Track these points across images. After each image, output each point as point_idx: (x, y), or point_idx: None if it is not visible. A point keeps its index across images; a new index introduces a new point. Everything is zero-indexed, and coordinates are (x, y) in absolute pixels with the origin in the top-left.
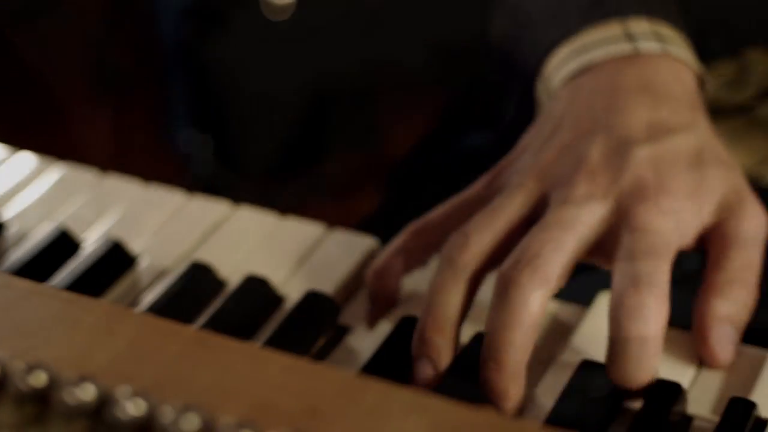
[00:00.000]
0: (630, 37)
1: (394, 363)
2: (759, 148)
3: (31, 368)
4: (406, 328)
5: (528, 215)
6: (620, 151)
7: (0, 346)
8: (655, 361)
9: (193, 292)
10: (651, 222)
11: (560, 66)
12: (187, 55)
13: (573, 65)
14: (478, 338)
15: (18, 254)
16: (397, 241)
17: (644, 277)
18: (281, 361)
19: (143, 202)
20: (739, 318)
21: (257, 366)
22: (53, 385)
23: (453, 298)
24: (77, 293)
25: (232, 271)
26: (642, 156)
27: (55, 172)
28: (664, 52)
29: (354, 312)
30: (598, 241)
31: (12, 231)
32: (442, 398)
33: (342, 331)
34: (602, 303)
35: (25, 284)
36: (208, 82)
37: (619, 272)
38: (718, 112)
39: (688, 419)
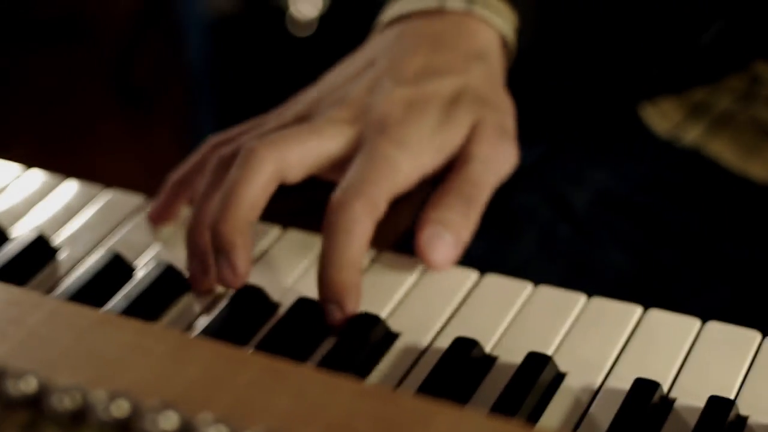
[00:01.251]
0: None
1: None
2: None
3: (113, 397)
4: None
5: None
6: (382, 88)
7: (75, 374)
8: (352, 256)
9: (246, 315)
10: (380, 149)
11: (386, 10)
12: (214, 71)
13: (390, 13)
14: None
15: (73, 280)
16: (196, 154)
17: (360, 187)
18: (353, 387)
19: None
20: (454, 224)
21: (330, 391)
22: (135, 413)
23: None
24: (135, 317)
25: (281, 294)
26: (398, 94)
27: (103, 197)
28: (467, 10)
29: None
30: (338, 158)
31: (63, 256)
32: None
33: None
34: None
35: (94, 314)
36: (234, 98)
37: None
38: (730, 125)
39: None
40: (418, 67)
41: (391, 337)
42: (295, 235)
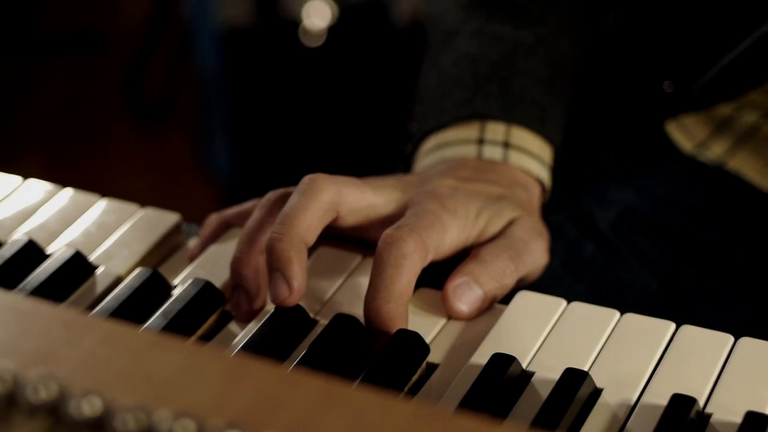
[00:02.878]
0: (480, 142)
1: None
2: None
3: (177, 417)
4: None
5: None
6: (434, 177)
7: (134, 396)
8: (402, 283)
9: (287, 330)
10: (432, 208)
11: (424, 155)
12: (226, 82)
13: (431, 159)
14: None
15: (111, 297)
16: (244, 204)
17: (413, 228)
18: (409, 409)
19: (228, 240)
20: (485, 280)
21: (386, 413)
22: None
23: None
24: (173, 334)
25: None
26: (450, 182)
27: (139, 213)
28: (504, 159)
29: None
30: (386, 215)
31: (100, 273)
32: None
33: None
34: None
35: (148, 335)
36: (246, 109)
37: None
38: (753, 139)
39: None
40: (465, 175)
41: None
42: (327, 252)
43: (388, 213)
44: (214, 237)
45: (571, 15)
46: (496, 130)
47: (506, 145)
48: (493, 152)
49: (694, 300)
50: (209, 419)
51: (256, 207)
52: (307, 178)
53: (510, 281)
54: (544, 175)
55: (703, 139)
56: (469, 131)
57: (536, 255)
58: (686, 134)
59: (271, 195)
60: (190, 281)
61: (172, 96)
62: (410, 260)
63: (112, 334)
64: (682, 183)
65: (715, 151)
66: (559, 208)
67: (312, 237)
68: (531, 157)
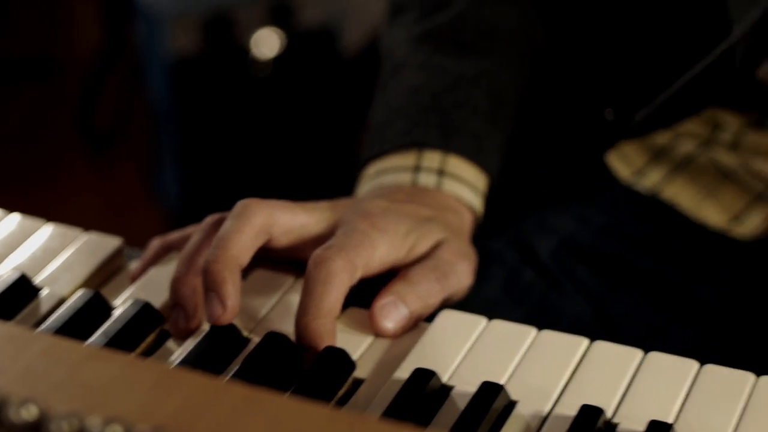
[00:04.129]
0: (416, 169)
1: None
2: (730, 205)
3: (107, 422)
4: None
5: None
6: (365, 199)
7: (71, 404)
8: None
9: (219, 348)
10: (361, 227)
11: (365, 181)
12: (176, 111)
13: (370, 185)
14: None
15: (55, 317)
16: (185, 229)
17: (341, 248)
18: (324, 413)
19: (168, 262)
20: (411, 300)
21: (303, 417)
22: None
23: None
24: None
25: (251, 330)
26: (380, 204)
27: (82, 238)
28: (437, 186)
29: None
30: (318, 235)
31: (44, 295)
32: None
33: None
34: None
35: (85, 348)
36: (196, 136)
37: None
38: (689, 168)
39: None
40: (397, 198)
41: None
42: (261, 274)
43: (320, 233)
44: (155, 260)
45: (516, 48)
46: (432, 158)
47: (441, 172)
48: (427, 179)
49: (627, 326)
50: (137, 424)
51: (195, 231)
52: (240, 203)
53: (435, 301)
54: (477, 202)
55: (641, 167)
56: (407, 159)
57: (461, 276)
58: (625, 162)
59: (208, 219)
60: (130, 302)
61: (123, 124)
62: (338, 279)
63: (52, 348)
64: (619, 212)
65: (652, 179)
66: (500, 235)
67: (245, 258)
68: (464, 185)
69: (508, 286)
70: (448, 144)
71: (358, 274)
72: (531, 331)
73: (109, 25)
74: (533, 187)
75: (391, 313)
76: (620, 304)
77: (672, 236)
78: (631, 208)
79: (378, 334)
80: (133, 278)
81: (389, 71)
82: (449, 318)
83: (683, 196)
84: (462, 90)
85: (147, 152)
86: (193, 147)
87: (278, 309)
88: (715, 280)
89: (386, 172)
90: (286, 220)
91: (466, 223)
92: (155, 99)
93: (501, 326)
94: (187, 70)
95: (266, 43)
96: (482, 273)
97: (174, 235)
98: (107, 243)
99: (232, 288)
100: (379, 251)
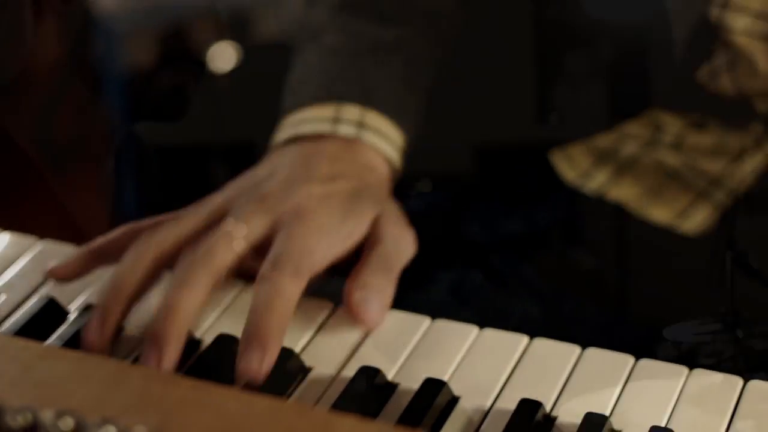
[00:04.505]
0: (336, 120)
1: None
2: (675, 202)
3: (59, 415)
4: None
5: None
6: (294, 186)
7: (26, 398)
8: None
9: None
10: (296, 232)
11: (283, 129)
12: (133, 126)
13: (288, 133)
14: None
15: (11, 323)
16: (114, 233)
17: (283, 263)
18: (268, 403)
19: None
20: (378, 289)
21: (248, 407)
22: (80, 428)
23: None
24: None
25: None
26: (309, 191)
27: (36, 247)
28: (357, 137)
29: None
30: (258, 244)
31: (1, 301)
32: None
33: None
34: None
35: (38, 346)
36: (155, 152)
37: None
38: (634, 169)
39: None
40: (322, 173)
41: (305, 370)
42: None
43: (260, 238)
44: (118, 242)
45: (433, 24)
46: (352, 111)
47: (360, 125)
48: (347, 130)
49: (574, 324)
50: (88, 417)
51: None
52: (183, 267)
53: (392, 290)
54: (396, 157)
55: (586, 169)
56: (326, 111)
57: (407, 250)
58: (570, 164)
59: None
60: (84, 307)
61: (83, 139)
62: (284, 297)
63: (6, 348)
64: (566, 212)
65: (598, 180)
66: (448, 238)
67: (195, 319)
68: (383, 138)
69: (456, 288)
70: (367, 99)
71: (305, 282)
72: (473, 330)
73: (68, 39)
74: (481, 188)
75: (369, 307)
76: (569, 304)
77: (618, 235)
78: (578, 209)
79: (364, 326)
80: (51, 274)
81: (308, 37)
82: (395, 318)
83: (629, 196)
84: (380, 54)
85: (106, 167)
86: (152, 162)
87: (228, 312)
88: (661, 277)
89: (305, 122)
90: (229, 261)
91: (385, 180)
92: (112, 113)
93: (445, 325)
94: (144, 84)
95: (222, 56)
96: (430, 276)
97: (145, 223)
98: (62, 250)
99: (173, 352)
100: (320, 254)
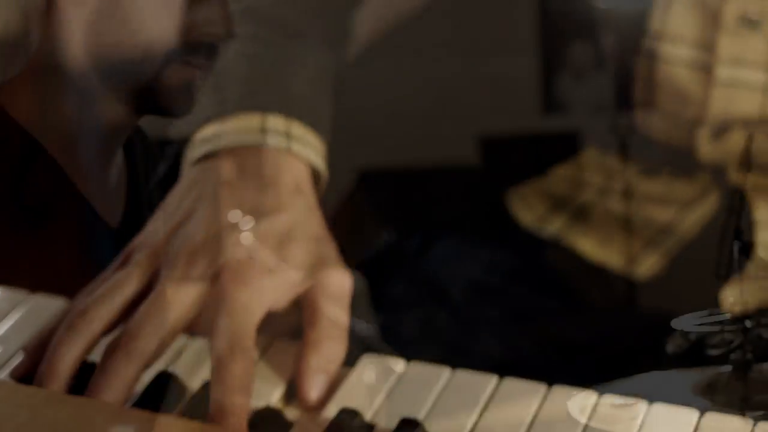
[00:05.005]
0: (263, 131)
1: None
2: (626, 249)
3: None
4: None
5: (143, 289)
6: (221, 234)
7: None
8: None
9: None
10: (230, 293)
11: (201, 143)
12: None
13: (208, 147)
14: None
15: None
16: (48, 326)
17: (230, 337)
18: (137, 415)
19: None
20: (330, 368)
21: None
22: None
23: (68, 357)
24: None
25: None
26: (236, 239)
27: (29, 300)
28: (286, 148)
29: None
30: (196, 316)
31: None
32: None
33: None
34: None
35: (44, 392)
36: (130, 208)
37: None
38: (588, 217)
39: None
40: (248, 209)
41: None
42: None
43: (197, 305)
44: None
45: (334, 34)
46: (277, 121)
47: (288, 135)
48: (278, 141)
49: (532, 363)
50: None
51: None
52: (106, 350)
53: (343, 349)
54: (323, 166)
55: (542, 214)
56: (251, 121)
57: (345, 290)
58: (527, 208)
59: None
60: None
61: (57, 196)
62: (238, 371)
63: (13, 394)
64: (525, 255)
65: (554, 225)
66: (414, 278)
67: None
68: (311, 148)
69: (423, 327)
70: (290, 108)
71: (253, 347)
72: (445, 371)
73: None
74: (442, 231)
75: (318, 389)
76: (529, 345)
77: (574, 279)
78: (536, 252)
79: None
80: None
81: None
82: (370, 361)
83: (584, 242)
84: (292, 64)
85: (83, 223)
86: (128, 218)
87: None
88: (616, 318)
89: (229, 134)
90: (104, 317)
91: (314, 202)
92: (87, 169)
93: (418, 368)
94: (117, 141)
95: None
96: (398, 315)
97: (41, 334)
98: (53, 304)
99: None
100: (258, 314)
